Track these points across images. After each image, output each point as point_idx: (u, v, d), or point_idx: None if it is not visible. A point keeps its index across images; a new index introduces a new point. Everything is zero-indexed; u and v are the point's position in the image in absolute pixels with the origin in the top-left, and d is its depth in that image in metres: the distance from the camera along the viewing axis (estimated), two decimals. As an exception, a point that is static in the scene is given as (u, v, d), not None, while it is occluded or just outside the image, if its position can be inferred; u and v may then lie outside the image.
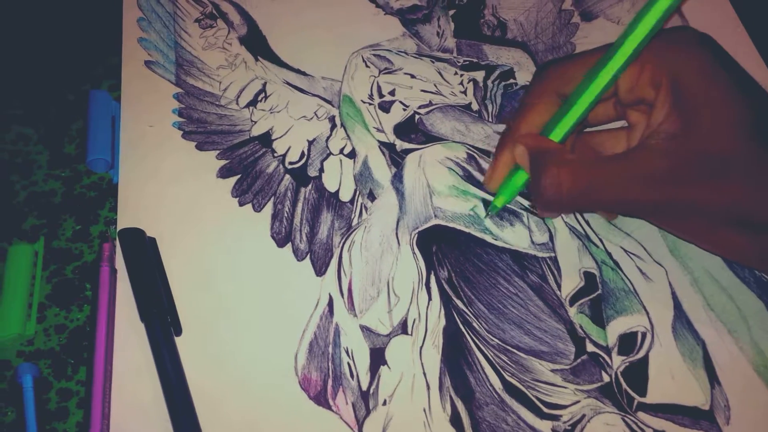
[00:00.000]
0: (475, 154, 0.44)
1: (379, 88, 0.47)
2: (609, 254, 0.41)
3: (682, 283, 0.40)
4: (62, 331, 0.40)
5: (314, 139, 0.45)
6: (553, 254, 0.41)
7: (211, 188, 0.43)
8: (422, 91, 0.47)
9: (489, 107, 0.47)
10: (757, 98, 0.33)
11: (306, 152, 0.45)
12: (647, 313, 0.39)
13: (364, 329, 0.38)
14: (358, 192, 0.43)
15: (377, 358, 0.38)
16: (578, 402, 0.36)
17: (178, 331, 0.38)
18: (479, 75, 0.48)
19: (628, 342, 0.38)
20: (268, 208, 0.42)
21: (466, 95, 0.47)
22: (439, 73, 0.48)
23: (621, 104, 0.38)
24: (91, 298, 0.40)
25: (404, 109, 0.46)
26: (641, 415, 0.36)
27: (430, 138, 0.45)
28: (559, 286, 0.40)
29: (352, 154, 0.44)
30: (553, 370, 0.37)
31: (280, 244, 0.41)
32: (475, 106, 0.47)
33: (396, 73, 0.48)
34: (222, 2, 0.51)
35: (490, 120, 0.46)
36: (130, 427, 0.36)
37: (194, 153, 0.44)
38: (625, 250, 0.41)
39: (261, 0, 0.51)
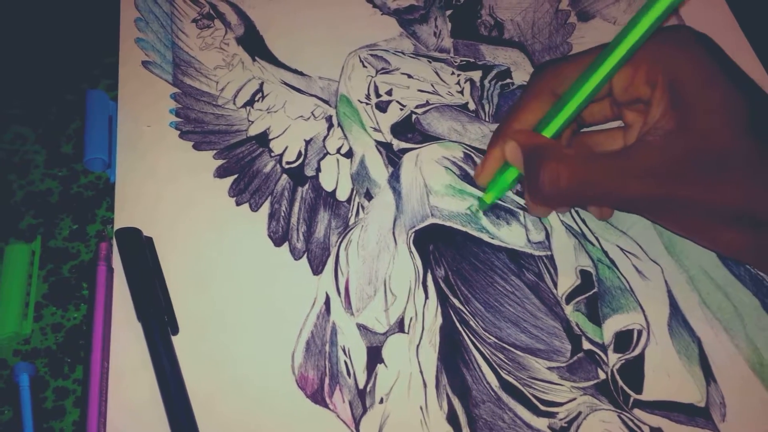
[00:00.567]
0: (471, 154, 0.44)
1: (376, 87, 0.47)
2: (605, 252, 0.41)
3: (677, 281, 0.40)
4: (59, 330, 0.40)
5: (311, 139, 0.45)
6: (549, 253, 0.41)
7: (208, 188, 0.43)
8: (419, 90, 0.47)
9: (486, 107, 0.47)
10: (753, 95, 0.33)
11: (303, 152, 0.45)
12: (643, 311, 0.39)
13: (361, 328, 0.39)
14: (355, 191, 0.43)
15: (374, 357, 0.38)
16: (574, 399, 0.36)
17: (175, 330, 0.38)
18: (476, 75, 0.48)
19: (624, 340, 0.38)
20: (265, 208, 0.43)
21: (462, 95, 0.47)
22: (436, 73, 0.48)
23: (617, 104, 0.38)
24: (87, 297, 0.40)
25: (401, 109, 0.46)
26: (637, 412, 0.36)
27: (427, 137, 0.45)
28: (555, 285, 0.40)
29: (349, 154, 0.45)
30: (549, 368, 0.37)
31: (277, 243, 0.41)
32: (471, 106, 0.47)
33: (393, 72, 0.48)
34: (219, 2, 0.51)
35: (487, 120, 0.46)
36: (126, 426, 0.36)
37: (191, 153, 0.44)
38: (621, 249, 0.41)
39: (258, 0, 0.51)
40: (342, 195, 0.43)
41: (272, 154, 0.45)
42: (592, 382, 0.37)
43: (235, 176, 0.44)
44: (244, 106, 0.46)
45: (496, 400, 0.36)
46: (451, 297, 0.39)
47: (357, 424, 0.36)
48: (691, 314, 0.39)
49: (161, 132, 0.45)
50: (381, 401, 0.36)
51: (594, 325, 0.39)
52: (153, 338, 0.37)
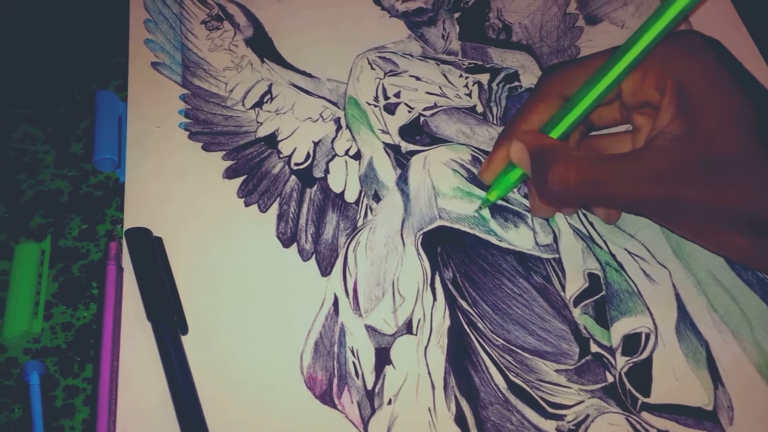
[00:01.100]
0: (479, 156, 0.44)
1: (384, 90, 0.47)
2: (613, 256, 0.41)
3: (685, 284, 0.40)
4: (69, 329, 0.40)
5: (320, 141, 0.45)
6: (557, 256, 0.41)
7: (217, 189, 0.43)
8: (427, 93, 0.47)
9: (493, 110, 0.47)
10: (762, 100, 0.34)
11: (311, 153, 0.45)
12: (651, 315, 0.39)
13: (369, 329, 0.39)
14: (363, 193, 0.43)
15: (382, 358, 0.38)
16: (582, 402, 0.37)
17: (185, 330, 0.38)
18: (484, 77, 0.48)
19: (631, 343, 0.38)
20: (274, 209, 0.43)
21: (470, 98, 0.47)
22: (444, 76, 0.48)
23: (626, 107, 0.39)
24: (97, 296, 0.40)
25: (409, 111, 0.47)
26: (645, 415, 0.36)
27: (435, 140, 0.45)
28: (563, 287, 0.40)
29: (357, 156, 0.45)
30: (557, 371, 0.37)
31: (286, 244, 0.41)
32: (479, 109, 0.47)
33: (401, 75, 0.48)
34: (228, 4, 0.51)
35: (495, 122, 0.46)
36: (136, 425, 0.36)
37: (200, 153, 0.45)
38: (629, 252, 0.41)
39: (267, 2, 0.52)
40: (350, 197, 0.43)
41: (281, 156, 0.45)
42: (600, 385, 0.37)
43: (244, 177, 0.44)
44: (253, 107, 0.47)
45: (504, 402, 0.36)
46: (459, 299, 0.39)
47: (365, 424, 0.36)
48: (698, 318, 0.39)
49: (170, 133, 0.45)
50: (389, 402, 0.37)
51: (602, 328, 0.39)
52: (162, 338, 0.37)
